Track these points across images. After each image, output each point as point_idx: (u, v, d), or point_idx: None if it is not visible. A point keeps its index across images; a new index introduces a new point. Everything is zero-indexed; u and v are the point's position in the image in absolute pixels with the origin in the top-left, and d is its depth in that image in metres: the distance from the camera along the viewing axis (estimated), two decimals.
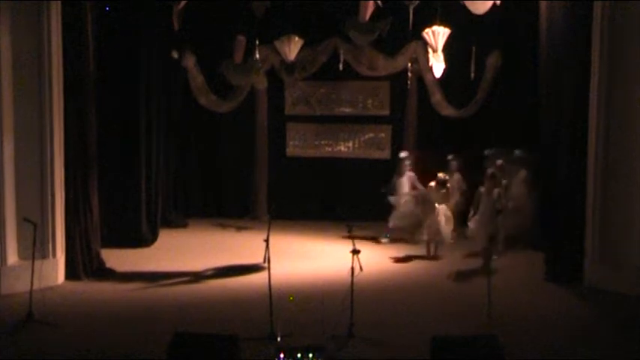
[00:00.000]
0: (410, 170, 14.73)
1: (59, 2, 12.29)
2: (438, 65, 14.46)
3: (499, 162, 14.13)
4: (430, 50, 14.40)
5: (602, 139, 12.07)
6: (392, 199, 14.55)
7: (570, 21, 12.66)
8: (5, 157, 11.90)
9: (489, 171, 13.54)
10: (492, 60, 15.45)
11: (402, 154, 14.95)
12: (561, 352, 9.62)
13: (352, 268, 10.30)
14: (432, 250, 14.10)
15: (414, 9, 13.75)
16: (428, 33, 14.01)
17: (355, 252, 11.66)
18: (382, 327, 10.51)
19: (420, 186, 14.41)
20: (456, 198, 14.85)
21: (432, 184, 13.94)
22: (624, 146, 11.88)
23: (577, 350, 9.67)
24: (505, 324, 10.21)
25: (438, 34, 13.97)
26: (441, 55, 14.38)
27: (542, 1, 13.11)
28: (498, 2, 12.95)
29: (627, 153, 11.84)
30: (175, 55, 15.31)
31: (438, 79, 15.43)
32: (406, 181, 14.70)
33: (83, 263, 12.91)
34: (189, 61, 15.55)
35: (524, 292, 12.06)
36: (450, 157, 15.10)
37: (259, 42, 14.92)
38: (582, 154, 12.40)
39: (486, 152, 14.62)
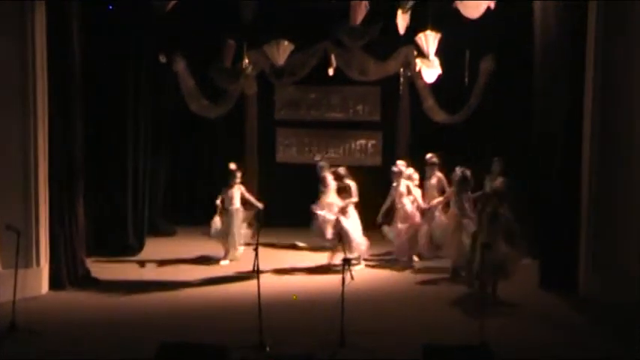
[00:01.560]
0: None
1: (43, 4, 12.24)
2: (430, 71, 14.51)
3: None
4: (420, 55, 14.49)
5: (597, 146, 12.11)
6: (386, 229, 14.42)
7: (564, 25, 12.65)
8: None
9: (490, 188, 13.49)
10: (486, 64, 15.46)
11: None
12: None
13: (343, 278, 10.33)
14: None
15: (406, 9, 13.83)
16: (420, 38, 14.07)
17: (346, 261, 11.71)
18: (373, 335, 10.50)
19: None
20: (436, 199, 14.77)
21: None
22: (618, 154, 11.92)
23: (566, 355, 9.80)
24: (498, 332, 10.20)
25: (429, 39, 14.03)
26: (435, 60, 14.42)
27: (535, 1, 13.14)
28: (492, 5, 13.00)
29: (622, 161, 11.88)
30: (163, 59, 15.27)
31: (430, 84, 15.47)
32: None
33: (68, 272, 12.88)
34: (180, 65, 15.53)
35: (518, 299, 12.06)
36: (428, 155, 14.83)
37: (249, 46, 14.93)
38: (576, 161, 12.43)
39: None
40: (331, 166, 15.05)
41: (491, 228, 11.83)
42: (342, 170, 14.15)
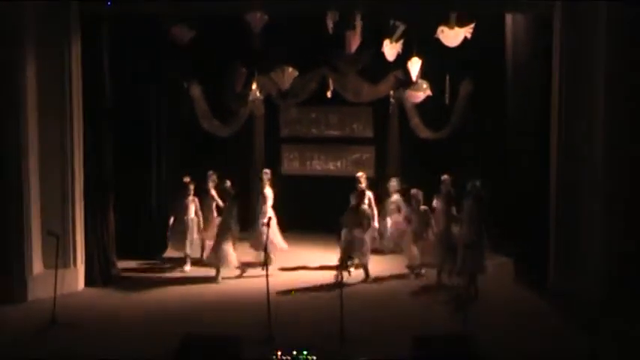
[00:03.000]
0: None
1: (79, 34, 12.39)
2: (417, 93, 14.60)
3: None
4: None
5: (563, 155, 12.18)
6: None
7: (532, 51, 12.84)
8: (31, 176, 11.97)
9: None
10: (464, 87, 15.49)
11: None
12: (526, 348, 9.83)
13: (341, 273, 10.39)
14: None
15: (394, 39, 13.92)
16: (408, 63, 14.18)
17: (343, 261, 11.79)
18: (369, 327, 10.58)
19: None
20: (394, 219, 14.67)
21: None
22: (581, 161, 11.96)
23: (539, 344, 9.95)
24: (479, 322, 10.26)
25: (414, 65, 14.12)
26: (423, 83, 14.44)
27: (507, 29, 13.33)
28: (469, 35, 13.11)
29: (584, 169, 11.92)
30: (185, 84, 15.36)
31: (416, 104, 15.51)
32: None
33: (101, 272, 12.97)
34: (195, 90, 15.56)
35: (496, 294, 12.12)
36: (392, 180, 14.87)
37: (257, 72, 14.97)
38: (544, 168, 12.50)
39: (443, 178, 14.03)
40: (330, 177, 15.08)
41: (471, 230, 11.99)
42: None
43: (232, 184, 13.97)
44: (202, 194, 14.27)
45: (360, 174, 14.41)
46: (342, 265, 12.66)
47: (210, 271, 13.37)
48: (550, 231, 12.43)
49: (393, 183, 15.13)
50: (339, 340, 9.91)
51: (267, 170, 14.61)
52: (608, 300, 11.17)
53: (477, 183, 12.49)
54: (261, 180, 14.29)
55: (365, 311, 11.33)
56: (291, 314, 11.15)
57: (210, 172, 14.53)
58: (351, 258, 13.17)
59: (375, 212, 14.04)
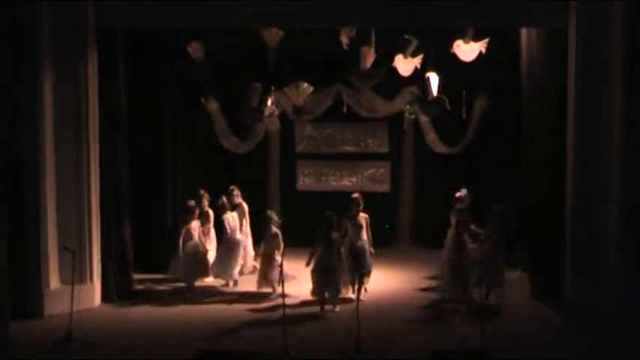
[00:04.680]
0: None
1: (95, 50, 12.33)
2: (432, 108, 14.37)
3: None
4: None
5: (579, 168, 12.07)
6: None
7: (547, 67, 12.70)
8: (48, 192, 11.88)
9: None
10: (480, 102, 15.42)
11: None
12: None
13: (358, 290, 10.21)
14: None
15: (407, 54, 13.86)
16: (426, 78, 14.04)
17: (361, 275, 11.61)
18: (387, 343, 10.39)
19: None
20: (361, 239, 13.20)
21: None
22: (597, 174, 11.88)
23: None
24: (497, 338, 10.05)
25: (432, 80, 13.97)
26: (444, 98, 14.19)
27: (522, 44, 13.21)
28: (483, 50, 13.06)
29: (601, 180, 11.83)
30: (203, 100, 15.34)
31: (432, 119, 15.42)
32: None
33: (117, 287, 12.84)
34: (213, 106, 15.56)
35: (512, 309, 11.94)
36: (354, 195, 13.39)
37: (272, 89, 14.89)
38: (560, 181, 12.38)
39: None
40: (345, 192, 14.97)
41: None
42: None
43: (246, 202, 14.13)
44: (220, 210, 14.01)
45: (356, 194, 13.30)
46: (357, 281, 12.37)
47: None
48: (565, 247, 12.31)
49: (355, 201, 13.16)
50: (355, 353, 9.72)
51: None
52: (624, 313, 11.08)
53: (505, 206, 12.26)
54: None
55: (380, 325, 11.13)
56: (308, 329, 11.06)
57: (232, 187, 14.36)
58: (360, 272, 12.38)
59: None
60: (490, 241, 12.13)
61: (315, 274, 11.96)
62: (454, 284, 12.37)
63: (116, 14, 12.23)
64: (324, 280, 11.87)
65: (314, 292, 11.97)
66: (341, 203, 14.12)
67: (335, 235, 12.07)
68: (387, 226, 12.49)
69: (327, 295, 11.90)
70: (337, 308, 11.93)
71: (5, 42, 11.43)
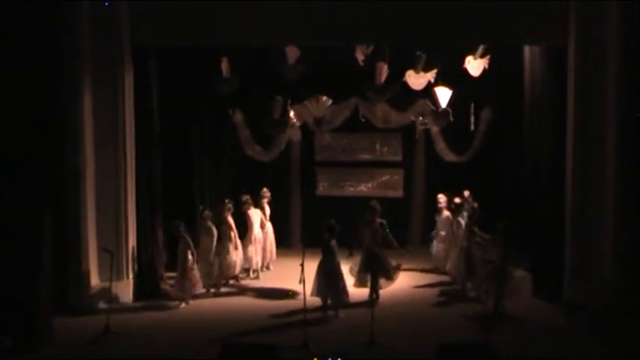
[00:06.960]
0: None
1: (131, 66, 12.64)
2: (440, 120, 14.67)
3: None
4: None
5: (577, 178, 12.24)
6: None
7: (548, 81, 12.94)
8: (88, 198, 12.23)
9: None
10: (486, 114, 15.56)
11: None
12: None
13: (371, 288, 10.33)
14: None
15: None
16: (435, 91, 14.29)
17: (374, 274, 11.75)
18: (397, 336, 10.59)
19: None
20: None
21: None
22: (596, 178, 12.05)
23: (554, 354, 9.91)
24: (500, 335, 10.27)
25: (442, 92, 14.21)
26: (448, 110, 14.44)
27: (525, 58, 13.45)
28: (486, 65, 13.63)
29: (599, 185, 12.03)
30: (230, 111, 15.62)
31: (442, 130, 15.62)
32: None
33: (150, 284, 13.06)
34: (238, 117, 15.80)
35: (515, 307, 11.97)
36: (371, 203, 13.38)
37: (294, 101, 15.13)
38: (560, 186, 12.54)
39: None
40: (361, 197, 15.21)
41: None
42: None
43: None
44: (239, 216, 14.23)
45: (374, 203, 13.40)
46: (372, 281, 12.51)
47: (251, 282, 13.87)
48: (565, 249, 12.44)
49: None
50: (369, 346, 9.96)
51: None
52: (622, 312, 11.18)
53: (507, 223, 12.01)
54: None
55: (393, 321, 11.31)
56: (326, 323, 11.31)
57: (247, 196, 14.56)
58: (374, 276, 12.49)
59: None
60: (496, 253, 12.01)
61: (317, 277, 11.71)
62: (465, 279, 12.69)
63: (149, 34, 12.54)
64: (326, 283, 11.64)
65: (313, 292, 11.61)
66: (357, 208, 14.46)
67: (334, 242, 11.91)
68: (387, 230, 12.75)
69: (329, 300, 11.72)
70: (342, 314, 11.66)
71: (51, 63, 11.78)
